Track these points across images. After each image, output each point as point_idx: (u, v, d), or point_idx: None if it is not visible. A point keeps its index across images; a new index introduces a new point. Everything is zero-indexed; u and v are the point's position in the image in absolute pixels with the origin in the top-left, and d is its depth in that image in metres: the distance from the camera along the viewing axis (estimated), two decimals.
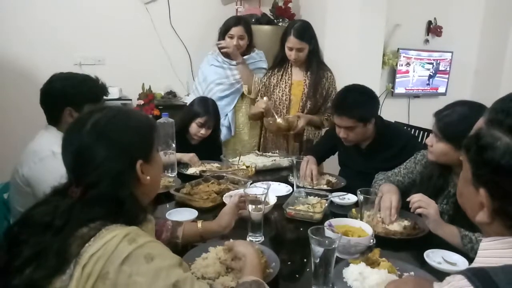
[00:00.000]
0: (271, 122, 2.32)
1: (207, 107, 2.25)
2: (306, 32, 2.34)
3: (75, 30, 3.11)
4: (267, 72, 2.56)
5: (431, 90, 4.33)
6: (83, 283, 0.69)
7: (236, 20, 2.63)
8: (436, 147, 1.43)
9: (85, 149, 0.84)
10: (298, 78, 2.46)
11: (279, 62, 2.48)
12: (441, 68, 4.29)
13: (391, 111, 3.93)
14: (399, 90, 4.14)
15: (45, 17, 3.02)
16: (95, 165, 0.83)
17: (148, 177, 0.91)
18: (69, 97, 1.46)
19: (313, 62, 2.41)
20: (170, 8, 3.39)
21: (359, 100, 1.82)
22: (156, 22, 3.38)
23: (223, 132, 2.64)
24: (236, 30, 2.57)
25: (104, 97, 1.58)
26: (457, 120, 1.36)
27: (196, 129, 2.23)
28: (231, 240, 1.14)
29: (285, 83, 2.45)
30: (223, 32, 2.61)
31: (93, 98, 1.50)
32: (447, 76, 4.34)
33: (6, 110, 3.01)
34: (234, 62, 2.62)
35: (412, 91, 4.23)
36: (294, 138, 2.50)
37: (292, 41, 2.32)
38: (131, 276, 0.70)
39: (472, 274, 0.62)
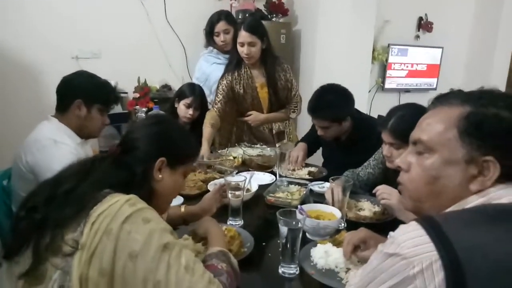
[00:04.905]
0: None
1: (193, 89, 2.36)
2: (257, 28, 2.28)
3: (72, 24, 3.20)
4: (226, 76, 2.40)
5: (421, 85, 4.41)
6: (91, 237, 0.80)
7: (217, 17, 2.65)
8: (397, 154, 1.44)
9: (141, 128, 1.06)
10: (260, 81, 2.40)
11: (236, 65, 2.37)
12: (431, 63, 4.37)
13: (381, 106, 4.01)
14: (389, 85, 4.22)
15: (42, 11, 3.10)
16: (139, 139, 1.02)
17: (160, 176, 1.02)
18: (86, 91, 1.59)
19: (268, 60, 2.36)
20: (165, 3, 3.47)
21: (332, 102, 1.89)
22: (152, 16, 3.46)
23: None
24: (219, 27, 2.61)
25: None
26: (410, 122, 1.42)
27: (184, 111, 2.33)
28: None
29: (251, 87, 2.40)
30: (209, 33, 2.65)
31: (105, 102, 1.65)
32: (437, 71, 4.42)
33: (5, 100, 3.10)
34: None
35: (402, 85, 4.32)
36: (268, 131, 2.56)
37: (243, 35, 2.24)
38: (130, 233, 0.82)
39: (420, 218, 0.70)
